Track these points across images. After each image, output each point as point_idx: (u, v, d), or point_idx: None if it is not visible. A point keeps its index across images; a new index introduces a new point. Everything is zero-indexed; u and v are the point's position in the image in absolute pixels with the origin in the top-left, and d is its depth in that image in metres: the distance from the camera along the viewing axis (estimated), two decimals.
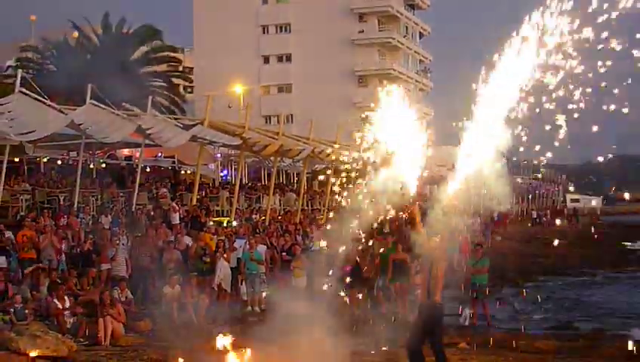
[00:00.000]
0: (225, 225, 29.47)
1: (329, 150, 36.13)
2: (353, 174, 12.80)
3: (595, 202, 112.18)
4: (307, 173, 42.76)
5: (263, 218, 32.95)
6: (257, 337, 14.57)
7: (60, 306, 18.33)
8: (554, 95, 11.27)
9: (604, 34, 10.75)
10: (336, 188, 13.33)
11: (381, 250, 20.77)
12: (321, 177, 42.45)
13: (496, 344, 17.35)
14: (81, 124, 24.67)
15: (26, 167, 33.25)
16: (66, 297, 18.61)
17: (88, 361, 16.15)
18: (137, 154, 34.65)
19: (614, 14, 10.60)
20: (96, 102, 26.75)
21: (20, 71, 27.28)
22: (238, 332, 14.76)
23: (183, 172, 43.37)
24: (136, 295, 20.54)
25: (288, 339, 13.14)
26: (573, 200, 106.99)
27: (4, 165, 23.68)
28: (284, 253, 25.30)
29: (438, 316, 12.35)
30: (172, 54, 60.27)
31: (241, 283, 23.32)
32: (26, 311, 17.81)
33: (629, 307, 24.84)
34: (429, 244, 12.06)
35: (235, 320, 19.97)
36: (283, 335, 13.29)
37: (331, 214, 20.88)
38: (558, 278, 32.82)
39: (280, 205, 39.74)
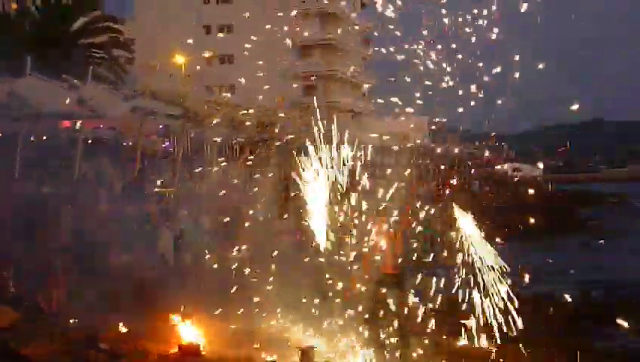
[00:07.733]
0: (167, 196, 29.60)
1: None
2: None
3: (536, 171, 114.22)
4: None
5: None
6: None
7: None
8: None
9: None
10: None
11: None
12: None
13: None
14: (21, 96, 24.66)
15: None
16: None
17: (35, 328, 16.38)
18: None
19: None
20: (37, 75, 26.65)
21: None
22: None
23: (124, 144, 43.08)
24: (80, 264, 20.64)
25: None
26: (515, 170, 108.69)
27: None
28: None
29: None
30: (112, 25, 59.46)
31: None
32: None
33: None
34: None
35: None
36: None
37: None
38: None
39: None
